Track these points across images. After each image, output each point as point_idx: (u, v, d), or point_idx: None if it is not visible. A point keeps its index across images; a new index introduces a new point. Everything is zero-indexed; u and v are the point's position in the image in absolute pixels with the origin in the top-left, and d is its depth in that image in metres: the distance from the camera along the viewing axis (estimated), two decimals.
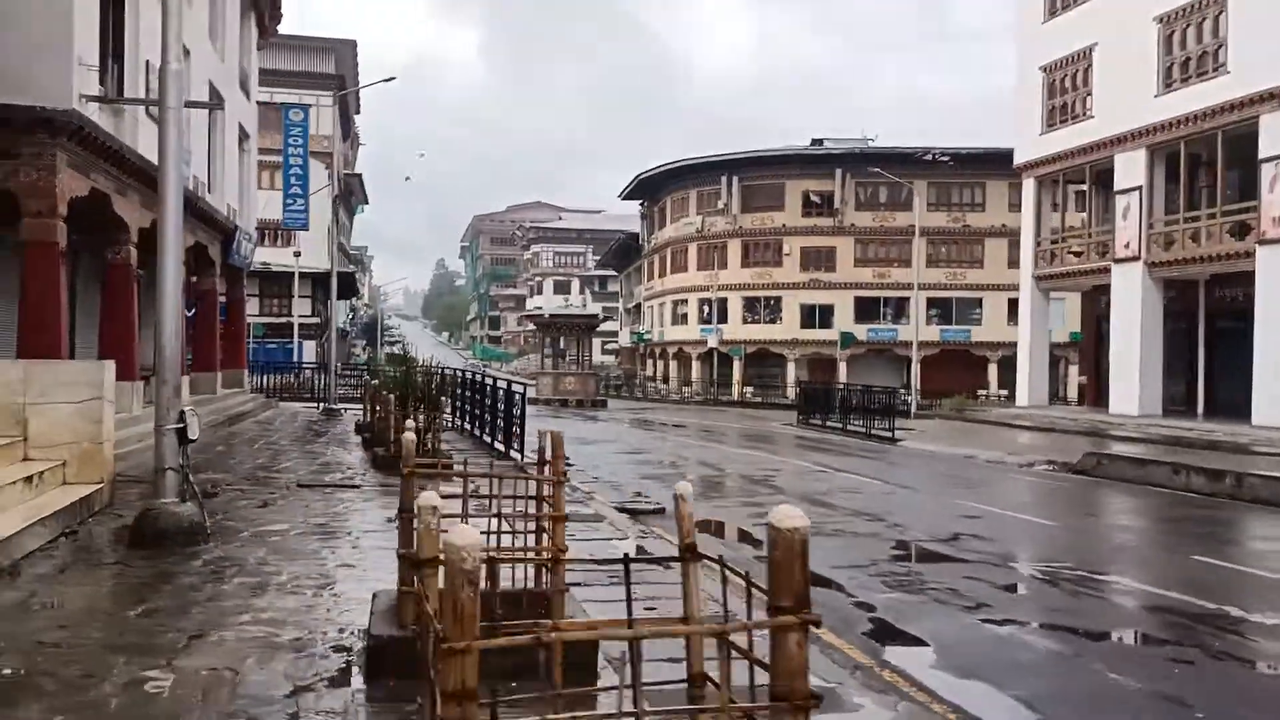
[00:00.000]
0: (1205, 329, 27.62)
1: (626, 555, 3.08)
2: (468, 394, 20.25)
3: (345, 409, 26.99)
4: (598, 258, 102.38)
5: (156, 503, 7.75)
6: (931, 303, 52.93)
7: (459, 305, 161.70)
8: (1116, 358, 28.01)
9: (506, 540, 5.27)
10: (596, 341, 59.68)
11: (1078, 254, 30.73)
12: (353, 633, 5.59)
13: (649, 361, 67.14)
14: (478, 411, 19.46)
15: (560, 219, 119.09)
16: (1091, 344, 32.51)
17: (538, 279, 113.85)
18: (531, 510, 5.45)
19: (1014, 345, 53.21)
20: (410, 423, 14.82)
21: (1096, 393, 31.90)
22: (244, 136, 24.83)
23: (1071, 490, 15.55)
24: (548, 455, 5.35)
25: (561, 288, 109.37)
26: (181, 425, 7.83)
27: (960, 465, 19.19)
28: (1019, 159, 32.41)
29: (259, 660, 5.03)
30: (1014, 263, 53.33)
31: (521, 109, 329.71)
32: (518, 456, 15.61)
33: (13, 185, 12.28)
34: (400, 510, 5.23)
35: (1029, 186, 32.19)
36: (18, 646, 5.12)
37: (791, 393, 52.54)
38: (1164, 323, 27.42)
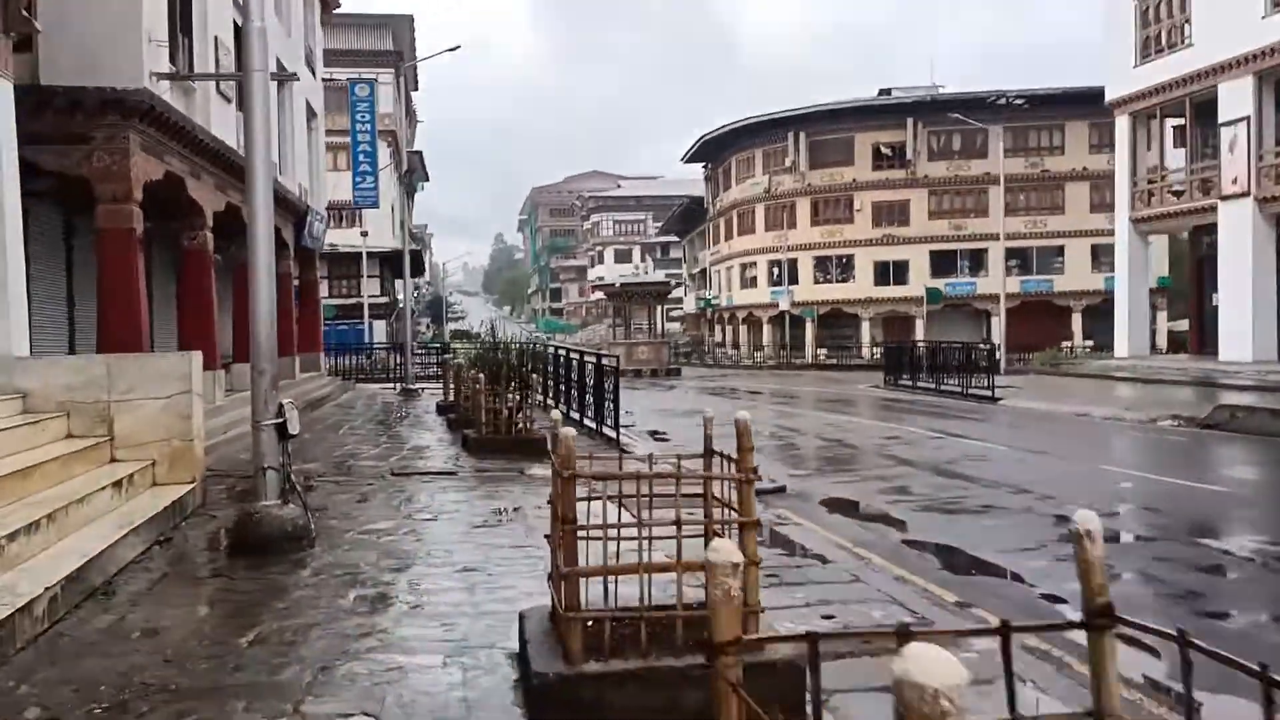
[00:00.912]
0: None
1: (1005, 624, 2.17)
2: (550, 369, 19.53)
3: (423, 389, 26.54)
4: (658, 224, 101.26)
5: (257, 505, 7.10)
6: (1010, 253, 50.74)
7: (519, 279, 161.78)
8: (1227, 302, 26.36)
9: (665, 548, 4.47)
10: (649, 309, 58.74)
11: (1178, 193, 29.00)
12: (500, 660, 4.84)
13: (717, 327, 66.08)
14: (563, 387, 18.75)
15: (619, 187, 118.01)
16: (1194, 289, 30.76)
17: (599, 248, 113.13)
18: (697, 512, 4.64)
19: (1098, 294, 51.56)
20: (500, 399, 14.24)
21: (1200, 340, 30.20)
22: (311, 115, 24.30)
23: (1217, 449, 14.34)
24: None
25: (623, 256, 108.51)
26: (281, 420, 7.16)
27: (1077, 425, 18.01)
28: (1110, 95, 30.64)
29: (399, 702, 4.30)
30: (1097, 207, 51.44)
31: (575, 82, 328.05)
32: (612, 434, 14.88)
33: (86, 170, 11.75)
34: (560, 521, 4.43)
35: (1122, 123, 30.43)
36: (115, 686, 4.45)
37: (867, 353, 51.22)
38: (1276, 262, 25.70)
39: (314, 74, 24.63)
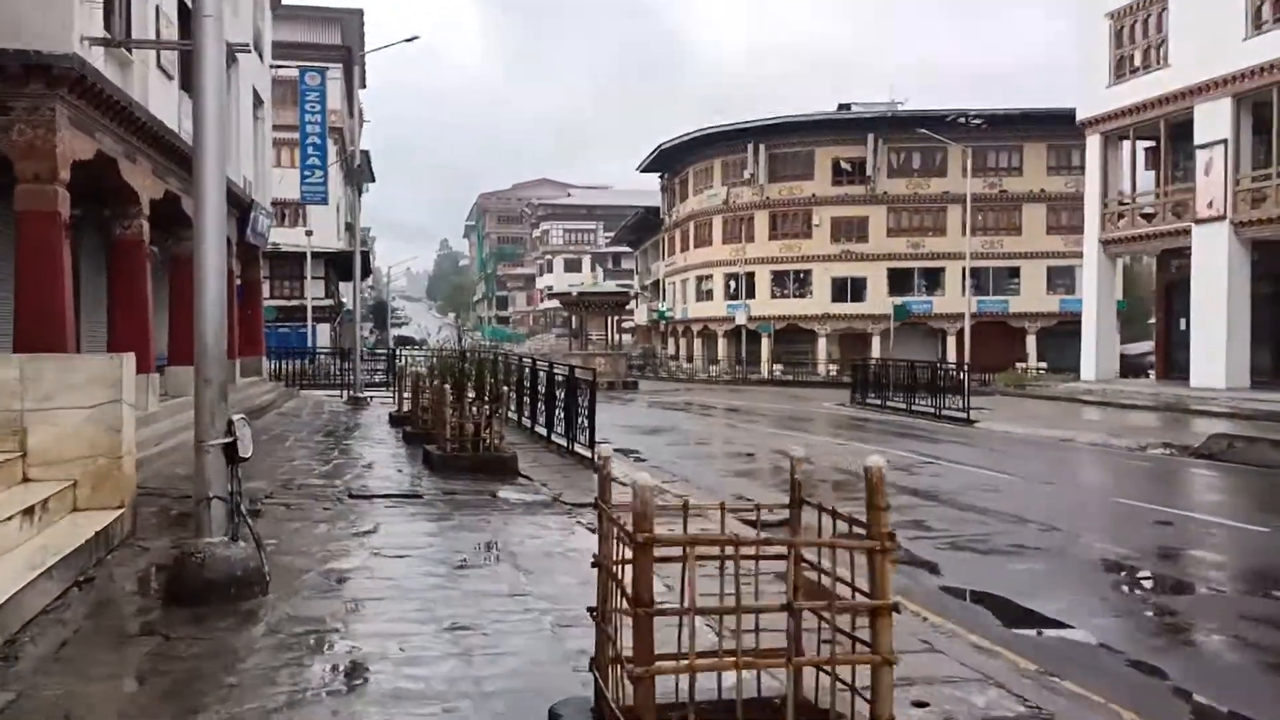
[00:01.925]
0: None
1: None
2: (516, 380, 18.32)
3: (371, 397, 25.13)
4: (609, 234, 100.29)
5: (199, 543, 5.85)
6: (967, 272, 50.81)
7: (465, 286, 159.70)
8: (1199, 327, 26.01)
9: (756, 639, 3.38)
10: (607, 320, 57.64)
11: (1149, 216, 28.69)
12: None
13: (670, 340, 65.16)
14: (528, 400, 17.55)
15: (569, 195, 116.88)
16: (1162, 313, 30.48)
17: (547, 257, 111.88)
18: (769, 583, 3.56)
19: (1053, 316, 51.61)
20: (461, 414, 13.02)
21: (1167, 365, 29.93)
22: (258, 103, 22.85)
23: (1229, 482, 13.59)
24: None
25: (573, 265, 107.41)
26: (230, 439, 5.92)
27: (1068, 452, 17.26)
28: (1082, 114, 30.29)
29: None
30: (1053, 229, 51.54)
31: (525, 89, 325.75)
32: (585, 452, 13.74)
33: (4, 145, 10.34)
34: (631, 601, 3.30)
35: (1094, 144, 30.09)
36: None
37: (824, 370, 50.62)
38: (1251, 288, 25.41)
39: (261, 58, 23.20)
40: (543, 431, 16.23)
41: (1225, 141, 24.95)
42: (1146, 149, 29.65)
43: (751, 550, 3.37)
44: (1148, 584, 7.93)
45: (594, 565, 3.80)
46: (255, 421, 18.27)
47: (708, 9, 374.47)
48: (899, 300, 48.96)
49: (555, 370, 16.15)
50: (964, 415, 22.78)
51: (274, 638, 5.16)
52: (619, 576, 3.55)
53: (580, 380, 14.61)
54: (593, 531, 8.39)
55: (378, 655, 4.91)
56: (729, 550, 3.31)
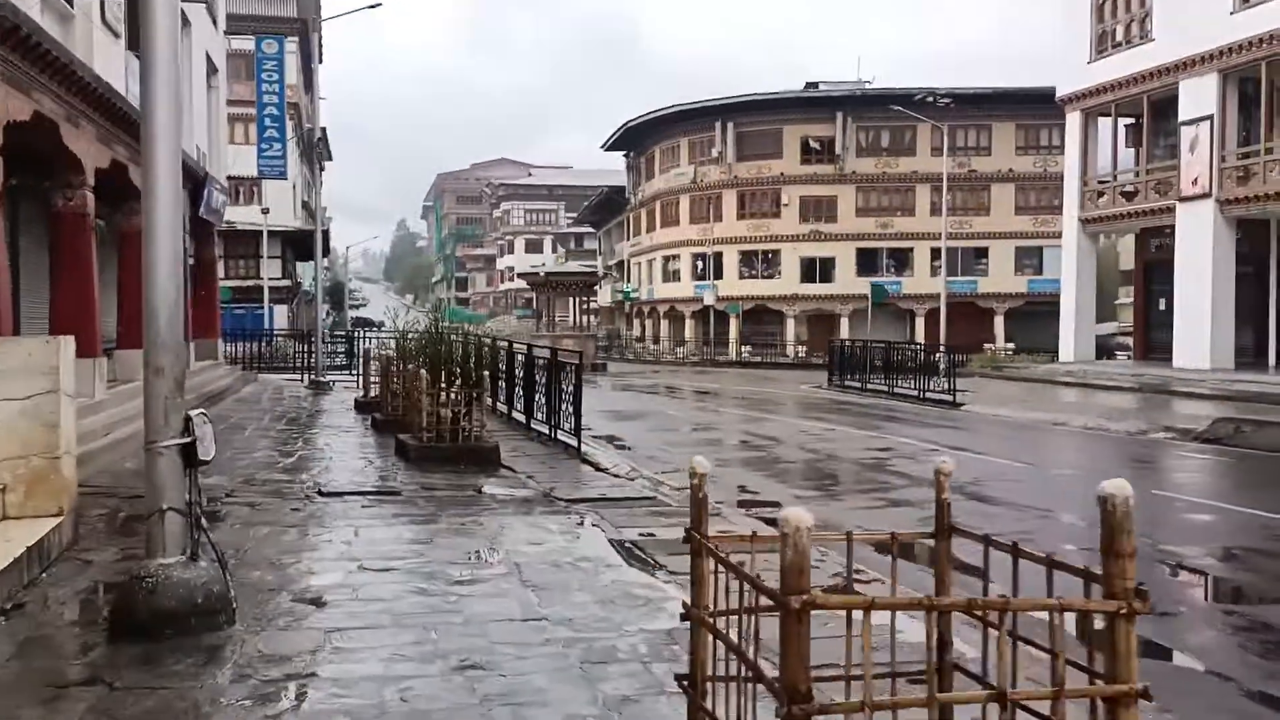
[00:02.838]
0: (1278, 273, 25.30)
1: None
2: (494, 364, 17.32)
3: (333, 381, 24.00)
4: (571, 215, 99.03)
5: (151, 564, 4.88)
6: (935, 253, 50.35)
7: (423, 266, 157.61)
8: (1183, 307, 25.58)
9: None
10: (574, 301, 56.62)
11: (1130, 194, 28.23)
12: None
13: (636, 321, 64.24)
14: (503, 384, 16.59)
15: (530, 175, 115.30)
16: (1140, 293, 30.12)
17: (508, 238, 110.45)
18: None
19: (1021, 296, 51.39)
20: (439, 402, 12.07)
21: (1146, 345, 29.59)
22: (212, 70, 21.56)
23: (1248, 469, 12.96)
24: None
25: (534, 246, 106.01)
26: (189, 440, 4.95)
27: (1065, 436, 16.64)
28: (1062, 91, 29.74)
29: None
30: (1021, 209, 51.24)
31: (483, 69, 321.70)
32: (570, 440, 12.85)
33: None
34: (788, 694, 2.39)
35: (1074, 121, 29.56)
36: None
37: (792, 351, 50.03)
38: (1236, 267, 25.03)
39: (215, 24, 21.87)
40: (521, 418, 15.32)
41: (1211, 118, 24.47)
42: (1128, 126, 29.17)
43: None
44: (1230, 590, 7.21)
45: (684, 618, 2.92)
46: (212, 408, 17.15)
47: None
48: (871, 280, 48.32)
49: (535, 353, 15.21)
50: (949, 398, 22.17)
51: (245, 684, 4.22)
52: (737, 636, 2.66)
53: (563, 363, 13.70)
54: (597, 529, 7.53)
55: (375, 710, 3.99)
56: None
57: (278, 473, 10.52)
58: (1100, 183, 29.36)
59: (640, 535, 7.30)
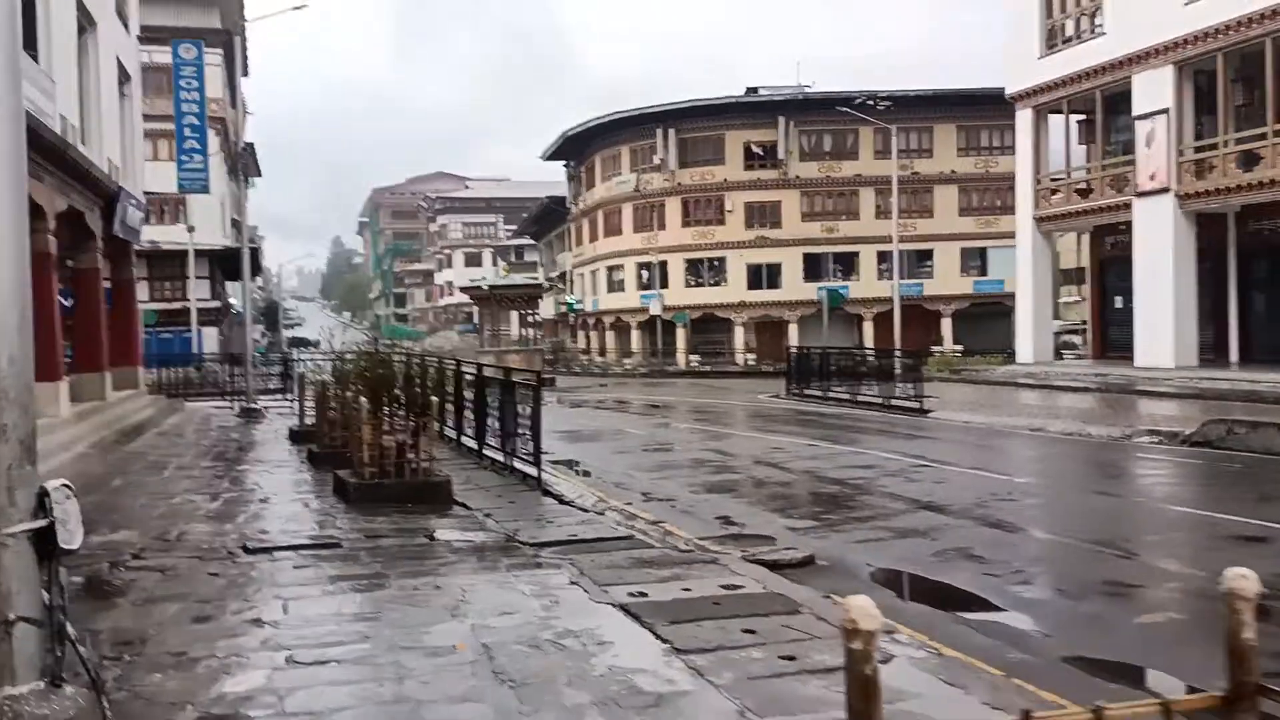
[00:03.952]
0: (1238, 268, 24.94)
1: None
2: (438, 385, 16.00)
3: (266, 407, 22.48)
4: (510, 227, 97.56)
5: None
6: (882, 256, 49.96)
7: (360, 283, 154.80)
8: (1143, 305, 25.11)
9: None
10: (516, 314, 55.28)
11: (1084, 191, 27.76)
12: None
13: (581, 333, 62.99)
14: (450, 407, 15.26)
15: (467, 188, 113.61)
16: (1096, 291, 29.69)
17: (446, 252, 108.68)
18: None
19: (967, 298, 51.16)
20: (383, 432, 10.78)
21: (1103, 344, 29.16)
22: (124, 78, 19.95)
23: (1258, 475, 12.17)
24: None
25: (473, 259, 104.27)
26: (45, 523, 3.66)
27: (1048, 444, 15.79)
28: (1012, 88, 29.24)
29: None
30: (965, 210, 51.02)
31: (414, 84, 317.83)
32: (528, 469, 11.64)
33: None
34: None
35: (1024, 118, 29.06)
36: None
37: (741, 359, 49.17)
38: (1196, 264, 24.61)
39: (127, 29, 20.27)
40: (471, 444, 14.05)
41: (1167, 111, 24.04)
42: (1080, 122, 28.74)
43: None
44: None
45: None
46: (128, 445, 15.63)
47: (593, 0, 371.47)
48: (824, 286, 47.61)
49: (486, 373, 13.96)
50: (916, 405, 21.30)
51: None
52: None
53: (518, 384, 12.48)
54: (577, 589, 6.27)
55: None
56: None
57: (198, 523, 9.15)
58: (1053, 180, 28.88)
59: (630, 596, 6.11)
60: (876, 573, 7.53)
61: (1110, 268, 28.51)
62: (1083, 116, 28.66)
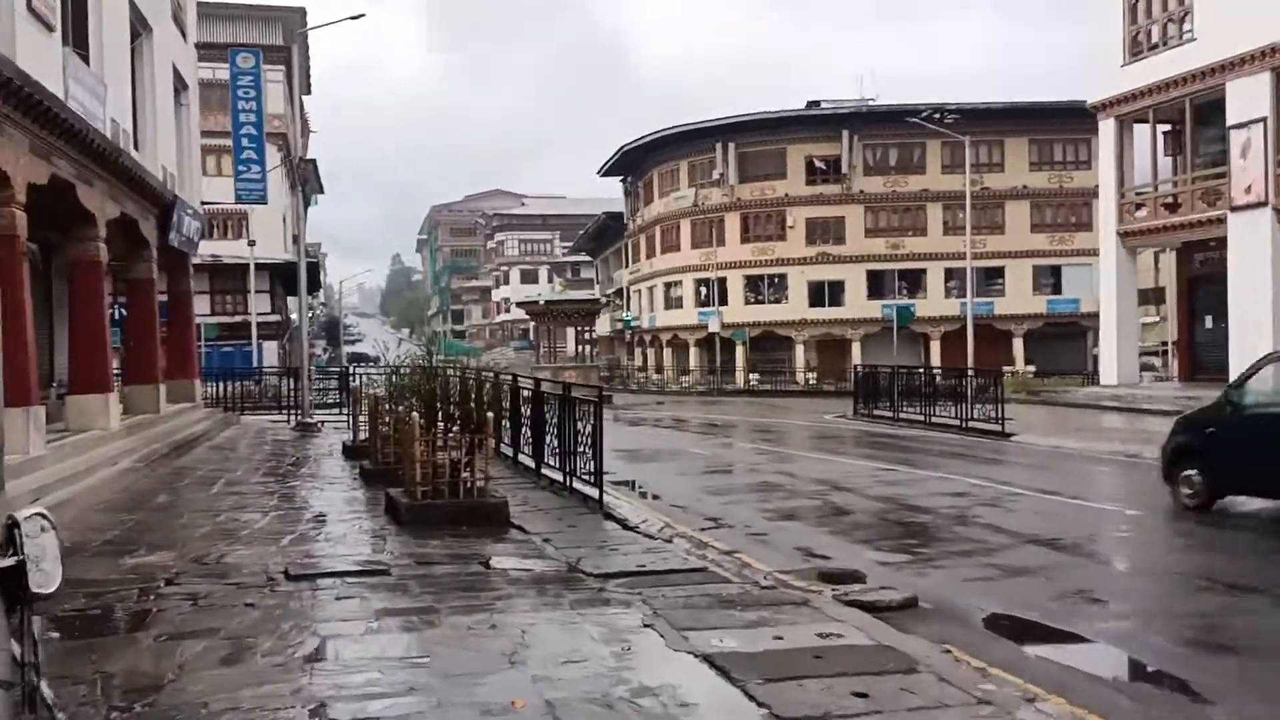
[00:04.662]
0: None
1: None
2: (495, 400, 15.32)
3: (322, 422, 22.03)
4: (566, 244, 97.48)
5: None
6: (949, 274, 48.64)
7: (418, 300, 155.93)
8: (1239, 323, 23.64)
9: None
10: (573, 331, 54.73)
11: (1172, 206, 26.40)
12: None
13: (637, 350, 62.32)
14: (506, 423, 14.56)
15: (524, 205, 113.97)
16: (1184, 310, 28.21)
17: (503, 268, 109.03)
18: None
19: (1039, 317, 49.48)
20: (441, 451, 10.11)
21: (1192, 366, 27.67)
22: (181, 86, 19.70)
23: None
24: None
25: (529, 276, 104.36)
26: (14, 562, 2.95)
27: (1145, 472, 14.47)
28: (1095, 97, 27.96)
29: None
30: (1038, 227, 49.44)
31: (470, 100, 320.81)
32: (589, 490, 10.87)
33: None
34: None
35: (1107, 129, 27.76)
36: None
37: (802, 378, 48.03)
38: None
39: (184, 36, 20.03)
40: (528, 462, 13.35)
41: (1265, 120, 22.67)
42: (1166, 133, 27.39)
43: None
44: None
45: None
46: (178, 460, 15.16)
47: (646, 13, 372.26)
48: (892, 304, 46.28)
49: (545, 389, 13.25)
50: (997, 428, 20.19)
51: None
52: None
53: (579, 400, 11.74)
54: (653, 634, 5.44)
55: None
56: None
57: (240, 544, 8.52)
58: (1138, 194, 27.54)
59: (715, 646, 5.28)
60: (990, 619, 6.61)
61: (1199, 286, 27.06)
62: (1169, 126, 27.30)
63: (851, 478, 13.89)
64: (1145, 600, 7.11)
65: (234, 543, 8.60)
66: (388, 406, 12.63)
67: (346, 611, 6.13)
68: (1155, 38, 26.34)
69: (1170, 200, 26.60)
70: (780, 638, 5.41)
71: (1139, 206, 27.44)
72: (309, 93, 65.96)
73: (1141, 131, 28.08)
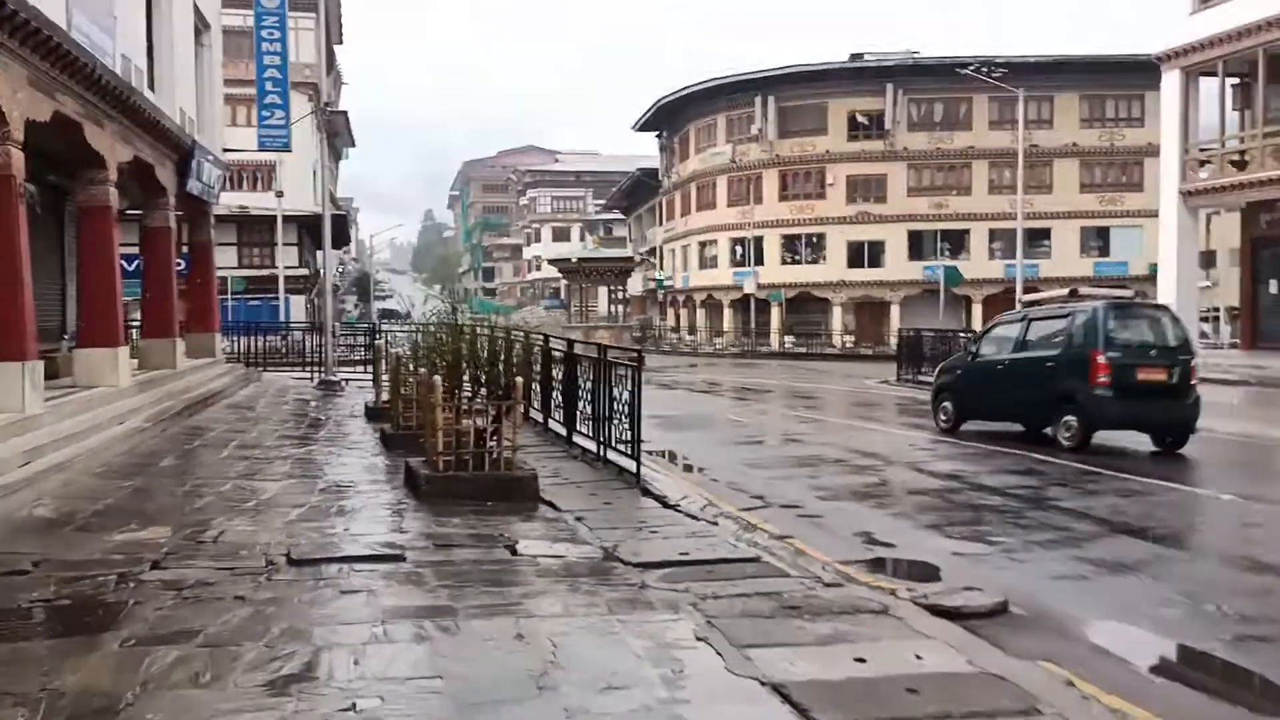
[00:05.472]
0: None
1: None
2: (525, 362, 14.43)
3: (346, 380, 21.33)
4: (599, 202, 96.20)
5: None
6: (994, 234, 47.19)
7: (450, 257, 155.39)
8: None
9: None
10: (605, 290, 53.69)
11: (1240, 164, 24.95)
12: None
13: (670, 310, 61.31)
14: (536, 386, 13.69)
15: (557, 161, 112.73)
16: (1247, 275, 26.83)
17: (535, 226, 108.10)
18: None
19: (1087, 280, 47.86)
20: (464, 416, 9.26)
21: (1255, 334, 26.36)
22: (202, 26, 18.79)
23: None
24: None
25: (561, 234, 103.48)
26: None
27: (1227, 448, 13.55)
28: (1160, 47, 26.44)
29: None
30: (1087, 187, 47.71)
31: (505, 56, 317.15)
32: (625, 462, 9.99)
33: None
34: None
35: (1172, 81, 26.26)
36: None
37: (839, 341, 46.89)
38: None
39: None
40: (558, 429, 12.50)
41: None
42: (1235, 86, 25.85)
43: None
44: None
45: None
46: (193, 417, 14.43)
47: None
48: (938, 264, 44.88)
49: (578, 351, 12.35)
50: None
51: None
52: None
53: (614, 363, 10.81)
54: (708, 649, 4.56)
55: None
56: None
57: (244, 518, 7.73)
58: (1203, 151, 26.08)
59: (787, 672, 4.37)
60: (1100, 630, 5.66)
61: (1264, 248, 25.68)
62: (1237, 80, 25.76)
63: (905, 451, 12.93)
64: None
65: (237, 516, 7.81)
66: (411, 367, 11.81)
67: (350, 610, 5.28)
68: None
69: (1237, 158, 25.13)
70: (863, 660, 4.50)
71: (1202, 164, 25.97)
72: (340, 42, 64.94)
73: (1207, 86, 26.55)
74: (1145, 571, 6.86)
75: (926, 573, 6.85)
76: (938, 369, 16.07)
